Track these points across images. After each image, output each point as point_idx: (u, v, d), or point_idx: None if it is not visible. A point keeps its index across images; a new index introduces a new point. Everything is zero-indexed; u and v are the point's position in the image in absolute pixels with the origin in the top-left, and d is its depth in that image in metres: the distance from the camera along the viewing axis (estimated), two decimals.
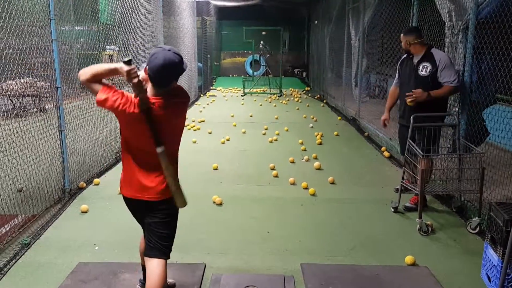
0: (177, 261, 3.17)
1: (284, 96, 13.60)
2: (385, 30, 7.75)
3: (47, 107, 4.58)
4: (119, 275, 2.97)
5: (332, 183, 5.01)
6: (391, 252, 3.36)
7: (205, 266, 3.11)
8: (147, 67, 2.14)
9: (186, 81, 11.32)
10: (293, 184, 4.97)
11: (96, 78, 2.17)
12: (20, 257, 3.22)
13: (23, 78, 4.08)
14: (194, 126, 8.30)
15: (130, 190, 2.33)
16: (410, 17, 5.55)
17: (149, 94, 2.18)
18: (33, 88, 4.91)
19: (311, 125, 8.60)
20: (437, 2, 4.62)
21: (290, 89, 15.30)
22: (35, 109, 5.30)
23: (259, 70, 17.35)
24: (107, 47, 6.24)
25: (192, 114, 10.00)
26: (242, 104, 11.93)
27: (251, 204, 4.37)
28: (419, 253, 3.29)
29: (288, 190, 4.82)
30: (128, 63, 2.08)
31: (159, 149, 2.17)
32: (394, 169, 5.60)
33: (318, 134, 7.56)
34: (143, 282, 2.69)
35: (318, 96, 13.51)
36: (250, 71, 18.16)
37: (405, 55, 4.26)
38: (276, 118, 9.44)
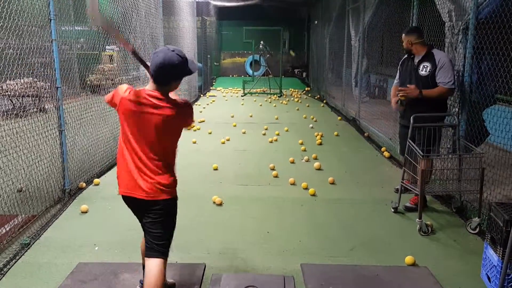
0: (177, 261, 3.18)
1: (284, 96, 13.60)
2: (385, 30, 7.76)
3: (47, 107, 4.58)
4: (119, 275, 2.96)
5: (332, 183, 5.01)
6: (391, 252, 3.36)
7: (205, 266, 3.11)
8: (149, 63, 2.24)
9: (186, 81, 11.33)
10: (293, 184, 4.97)
11: None
12: (20, 257, 3.22)
13: (23, 78, 4.07)
14: (194, 126, 8.30)
15: (123, 187, 2.37)
16: (410, 17, 5.55)
17: (148, 87, 2.27)
18: (33, 88, 4.90)
19: (311, 125, 8.60)
20: (437, 2, 4.62)
21: (290, 89, 15.31)
22: (35, 109, 5.29)
23: (259, 70, 17.35)
24: (107, 47, 6.24)
25: None
26: (242, 104, 11.93)
27: (251, 204, 4.37)
28: (419, 253, 3.29)
29: (288, 190, 4.82)
30: None
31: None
32: (394, 169, 5.60)
33: (318, 134, 7.57)
34: (143, 283, 2.69)
35: (318, 96, 13.51)
36: (250, 71, 18.17)
37: (405, 56, 4.27)
38: (276, 119, 9.44)
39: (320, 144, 7.03)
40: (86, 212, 4.10)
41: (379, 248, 3.44)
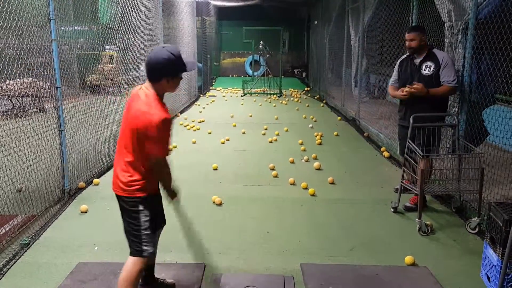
0: (177, 261, 3.18)
1: (284, 96, 13.61)
2: (384, 30, 7.76)
3: (46, 107, 4.58)
4: (118, 275, 2.94)
5: (332, 183, 5.01)
6: (390, 252, 3.37)
7: (204, 266, 3.11)
8: None
9: (186, 81, 11.33)
10: (293, 184, 4.97)
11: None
12: (20, 257, 3.22)
13: (22, 78, 4.07)
14: (193, 126, 8.30)
15: (112, 183, 2.46)
16: (409, 17, 5.56)
17: (146, 83, 2.33)
18: (33, 88, 4.90)
19: (310, 125, 8.60)
20: (436, 3, 4.62)
21: (289, 89, 15.31)
22: (34, 109, 5.29)
23: (259, 70, 17.35)
24: (106, 47, 6.24)
25: (191, 114, 10.01)
26: (242, 104, 11.93)
27: (251, 204, 4.37)
28: (418, 253, 3.29)
29: (287, 190, 4.82)
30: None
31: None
32: (393, 169, 5.61)
33: (317, 134, 7.57)
34: (141, 284, 2.69)
35: (318, 96, 13.52)
36: (250, 71, 18.17)
37: (404, 56, 4.26)
38: (276, 118, 9.44)
39: (320, 144, 7.03)
40: (85, 212, 4.09)
41: (379, 248, 3.44)
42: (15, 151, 3.73)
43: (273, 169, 5.50)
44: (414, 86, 3.91)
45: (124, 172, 2.36)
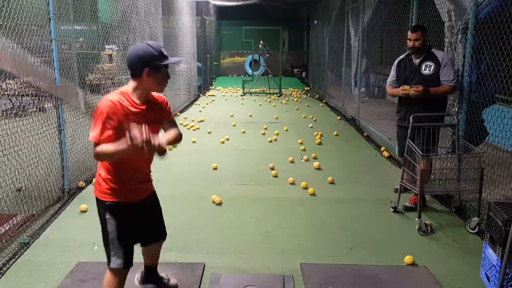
0: (177, 261, 3.18)
1: (284, 96, 13.60)
2: (384, 30, 7.76)
3: (46, 106, 4.58)
4: None
5: (332, 183, 5.01)
6: (390, 252, 3.37)
7: (204, 265, 3.11)
8: None
9: (186, 81, 11.33)
10: (293, 184, 4.97)
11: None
12: (19, 256, 3.21)
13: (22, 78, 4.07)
14: (193, 125, 8.30)
15: None
16: (409, 17, 5.55)
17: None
18: (32, 87, 4.89)
19: (310, 125, 8.60)
20: (436, 2, 4.62)
21: (289, 89, 15.30)
22: (34, 109, 5.28)
23: (258, 70, 17.35)
24: (106, 46, 6.24)
25: (191, 113, 10.00)
26: (242, 104, 11.93)
27: (251, 204, 4.37)
28: (418, 253, 3.29)
29: (287, 190, 4.82)
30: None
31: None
32: (393, 169, 5.61)
33: (317, 134, 7.57)
34: (141, 281, 2.70)
35: (318, 96, 13.52)
36: (249, 71, 18.17)
37: (402, 56, 4.26)
38: (276, 118, 9.44)
39: (320, 143, 7.03)
40: (85, 212, 4.09)
41: (379, 248, 3.44)
42: (15, 151, 3.73)
43: (272, 168, 5.50)
44: (414, 88, 3.88)
45: (99, 170, 2.27)
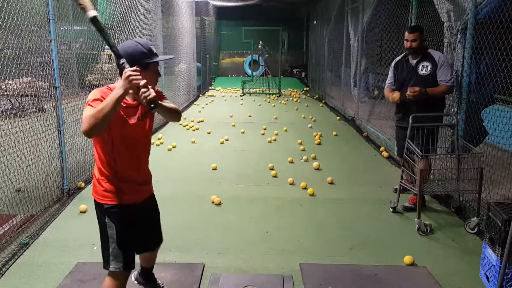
0: (176, 261, 3.18)
1: (283, 96, 13.61)
2: (384, 30, 7.76)
3: (45, 107, 4.57)
4: None
5: (331, 183, 5.01)
6: (390, 252, 3.37)
7: (204, 265, 3.11)
8: None
9: (185, 81, 11.33)
10: (292, 184, 4.97)
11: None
12: (19, 257, 3.21)
13: (21, 78, 4.07)
14: (193, 126, 8.30)
15: None
16: (409, 17, 5.56)
17: None
18: (32, 87, 4.89)
19: (310, 125, 8.60)
20: (435, 2, 4.62)
21: (289, 89, 15.31)
22: (33, 109, 5.28)
23: (258, 70, 17.35)
24: (105, 47, 6.23)
25: (191, 114, 10.00)
26: (241, 104, 11.93)
27: (250, 204, 4.37)
28: (417, 253, 3.29)
29: (287, 190, 4.82)
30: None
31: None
32: (393, 169, 5.61)
33: (317, 134, 7.57)
34: (138, 278, 2.69)
35: (317, 96, 13.52)
36: (249, 71, 18.17)
37: (399, 57, 4.26)
38: (275, 118, 9.44)
39: (319, 144, 7.03)
40: (84, 212, 4.09)
41: (378, 248, 3.45)
42: (14, 151, 3.73)
43: (272, 169, 5.50)
44: (410, 90, 3.87)
45: (93, 171, 2.22)
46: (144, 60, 2.11)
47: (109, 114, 1.90)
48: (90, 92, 2.18)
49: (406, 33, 4.03)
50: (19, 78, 3.95)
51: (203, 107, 11.12)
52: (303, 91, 15.16)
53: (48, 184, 4.21)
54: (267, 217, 4.04)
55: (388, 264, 3.17)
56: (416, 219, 3.68)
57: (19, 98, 6.02)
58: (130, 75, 1.90)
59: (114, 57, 2.09)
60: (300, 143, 6.95)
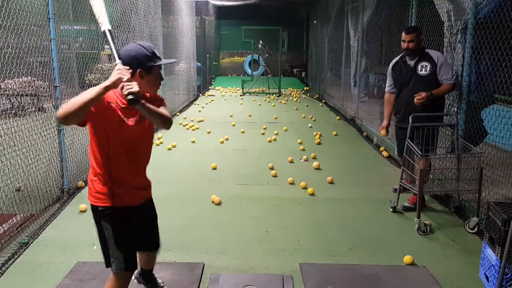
0: (176, 260, 3.18)
1: (283, 96, 13.60)
2: (384, 30, 7.76)
3: (45, 106, 4.57)
4: None
5: (331, 182, 5.01)
6: (389, 252, 3.37)
7: (203, 265, 3.11)
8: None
9: (185, 81, 11.33)
10: (292, 183, 4.97)
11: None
12: (19, 256, 3.21)
13: (21, 77, 4.07)
14: (193, 125, 8.30)
15: None
16: (409, 17, 5.56)
17: None
18: (32, 87, 4.89)
19: (310, 125, 8.60)
20: (436, 2, 4.62)
21: (289, 89, 15.30)
22: (33, 109, 5.28)
23: (258, 70, 17.35)
24: (105, 46, 6.23)
25: (191, 113, 10.00)
26: (241, 103, 11.92)
27: (250, 203, 4.37)
28: (417, 253, 3.29)
29: (287, 189, 4.82)
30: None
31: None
32: (392, 169, 5.61)
33: (317, 134, 7.57)
34: (138, 277, 2.69)
35: (317, 96, 13.52)
36: (249, 70, 18.16)
37: (396, 59, 4.24)
38: (275, 118, 9.44)
39: (319, 143, 7.03)
40: (84, 211, 4.09)
41: (378, 248, 3.45)
42: (14, 150, 3.73)
43: (272, 168, 5.50)
44: (417, 97, 3.84)
45: (90, 174, 2.20)
46: (147, 63, 2.10)
47: (89, 102, 1.85)
48: None
49: (403, 34, 4.02)
50: (19, 78, 3.95)
51: (203, 107, 11.12)
52: (303, 91, 15.16)
53: (48, 184, 4.21)
54: (267, 217, 4.04)
55: (388, 264, 3.17)
56: (416, 219, 3.68)
57: (19, 98, 6.03)
58: (119, 68, 1.94)
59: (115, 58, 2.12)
60: (300, 143, 6.95)
